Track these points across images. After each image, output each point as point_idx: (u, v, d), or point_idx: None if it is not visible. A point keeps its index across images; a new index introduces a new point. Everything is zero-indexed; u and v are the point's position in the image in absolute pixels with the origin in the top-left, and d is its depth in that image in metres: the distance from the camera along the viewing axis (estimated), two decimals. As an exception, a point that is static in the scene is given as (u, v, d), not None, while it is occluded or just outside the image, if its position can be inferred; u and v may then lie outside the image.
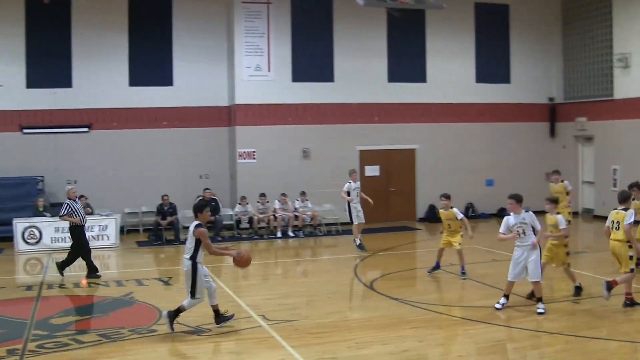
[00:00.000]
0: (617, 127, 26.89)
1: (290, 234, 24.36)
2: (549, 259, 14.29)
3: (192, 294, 12.11)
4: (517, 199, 13.55)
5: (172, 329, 12.16)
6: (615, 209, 13.52)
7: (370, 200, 21.50)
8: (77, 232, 17.94)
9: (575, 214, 19.80)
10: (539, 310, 13.18)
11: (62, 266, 17.82)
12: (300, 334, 12.04)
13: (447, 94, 28.32)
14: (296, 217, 24.66)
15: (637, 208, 17.01)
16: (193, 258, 12.02)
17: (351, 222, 21.39)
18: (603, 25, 27.61)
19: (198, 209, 12.45)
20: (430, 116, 28.18)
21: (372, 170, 26.42)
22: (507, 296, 13.60)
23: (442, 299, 14.94)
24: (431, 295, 15.12)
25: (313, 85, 26.72)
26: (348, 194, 21.23)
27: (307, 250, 22.91)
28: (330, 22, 26.89)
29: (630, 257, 13.28)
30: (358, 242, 21.07)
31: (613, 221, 13.47)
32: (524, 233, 13.35)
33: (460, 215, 16.88)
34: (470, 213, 27.83)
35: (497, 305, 13.54)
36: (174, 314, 12.24)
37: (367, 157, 27.33)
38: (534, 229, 13.38)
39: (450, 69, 28.40)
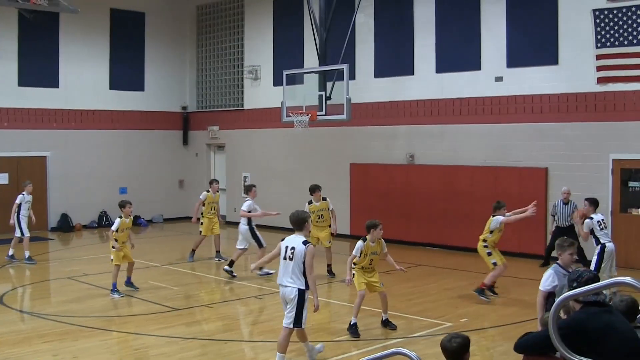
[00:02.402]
0: (247, 136, 28.10)
1: None
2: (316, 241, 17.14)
3: None
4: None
5: None
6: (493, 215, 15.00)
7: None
8: None
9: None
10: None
11: None
12: None
13: (81, 100, 27.67)
14: None
15: (314, 210, 17.51)
16: None
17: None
18: (235, 38, 28.79)
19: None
20: (62, 122, 27.33)
21: (1, 179, 25.10)
22: None
23: (76, 310, 14.57)
24: (64, 307, 14.69)
25: None
26: (19, 206, 20.05)
27: None
28: (-45, 20, 25.23)
29: (489, 254, 14.97)
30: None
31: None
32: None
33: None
34: (105, 221, 27.48)
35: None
36: None
37: (-5, 165, 25.95)
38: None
39: (84, 75, 27.75)
